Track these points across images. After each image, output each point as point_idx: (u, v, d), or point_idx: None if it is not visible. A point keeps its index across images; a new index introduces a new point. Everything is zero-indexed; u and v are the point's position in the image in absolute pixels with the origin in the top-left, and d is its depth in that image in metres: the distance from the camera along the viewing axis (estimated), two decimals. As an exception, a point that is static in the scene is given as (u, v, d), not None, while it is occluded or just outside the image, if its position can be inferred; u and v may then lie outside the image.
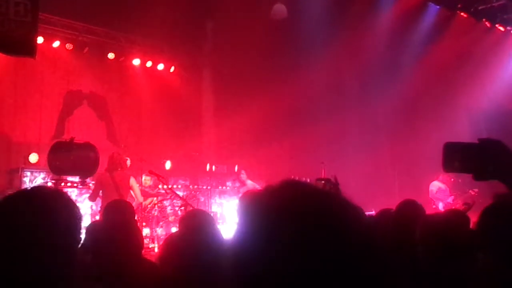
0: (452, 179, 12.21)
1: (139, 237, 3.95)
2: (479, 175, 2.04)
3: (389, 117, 14.61)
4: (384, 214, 5.04)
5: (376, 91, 14.51)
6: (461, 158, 2.05)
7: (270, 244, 1.06)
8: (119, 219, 4.55)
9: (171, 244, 3.58)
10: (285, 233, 1.05)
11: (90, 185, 9.79)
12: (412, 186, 12.79)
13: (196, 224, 4.24)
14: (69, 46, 13.00)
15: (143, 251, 4.25)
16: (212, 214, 12.49)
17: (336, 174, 11.49)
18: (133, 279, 3.56)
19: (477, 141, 2.08)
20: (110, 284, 3.47)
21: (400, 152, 14.53)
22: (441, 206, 11.95)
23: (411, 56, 14.68)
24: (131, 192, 9.06)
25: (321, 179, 2.80)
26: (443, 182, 12.36)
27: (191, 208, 9.66)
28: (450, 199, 12.19)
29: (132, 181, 9.16)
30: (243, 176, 12.10)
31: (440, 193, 12.33)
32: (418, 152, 13.95)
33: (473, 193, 11.72)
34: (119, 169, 9.01)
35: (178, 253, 3.41)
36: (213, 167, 13.83)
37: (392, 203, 5.47)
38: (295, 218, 1.07)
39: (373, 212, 10.24)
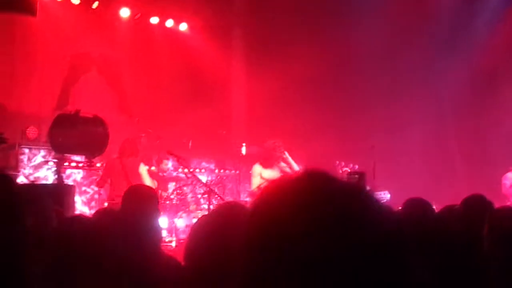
0: None
1: (159, 231, 3.98)
2: None
3: (458, 95, 14.30)
4: (448, 211, 5.07)
5: (444, 60, 14.21)
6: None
7: (275, 240, 1.16)
8: (138, 209, 4.51)
9: (200, 237, 3.57)
10: (293, 233, 1.15)
11: (98, 165, 9.86)
12: (483, 178, 12.52)
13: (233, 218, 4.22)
14: (75, 0, 13.02)
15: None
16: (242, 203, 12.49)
17: (388, 162, 11.40)
18: (150, 276, 3.59)
19: None
20: (122, 281, 3.50)
21: (469, 136, 14.23)
22: None
23: (484, 21, 14.33)
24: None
25: (355, 173, 2.71)
26: None
27: (216, 196, 9.70)
28: None
29: (142, 168, 9.26)
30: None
31: None
32: (491, 138, 13.63)
33: None
34: (131, 157, 9.10)
35: (207, 248, 3.41)
36: (243, 148, 13.78)
37: (458, 198, 5.38)
38: (305, 218, 1.16)
39: (434, 208, 10.12)
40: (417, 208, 4.79)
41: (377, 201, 1.24)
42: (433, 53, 14.45)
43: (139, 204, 4.59)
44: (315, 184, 1.23)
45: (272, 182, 1.27)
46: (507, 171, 12.19)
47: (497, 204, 8.44)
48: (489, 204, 4.58)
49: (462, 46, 14.12)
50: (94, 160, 9.05)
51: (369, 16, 13.75)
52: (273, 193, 1.25)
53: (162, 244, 7.29)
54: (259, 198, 1.26)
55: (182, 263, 3.74)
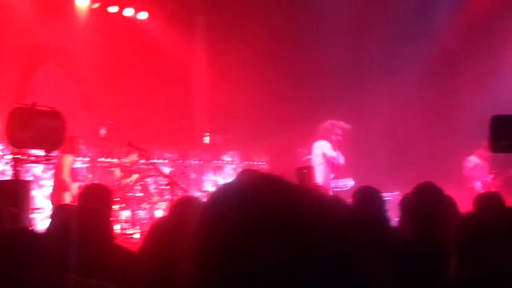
0: (490, 154, 12.09)
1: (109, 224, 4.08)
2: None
3: (418, 80, 14.42)
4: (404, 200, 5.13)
5: (404, 48, 14.30)
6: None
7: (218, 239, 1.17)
8: (92, 205, 4.59)
9: (156, 232, 3.60)
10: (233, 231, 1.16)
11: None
12: (447, 161, 12.69)
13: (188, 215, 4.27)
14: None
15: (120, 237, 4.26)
16: (204, 194, 12.47)
17: (354, 147, 11.46)
18: (106, 268, 3.63)
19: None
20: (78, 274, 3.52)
21: (432, 121, 14.39)
22: (478, 186, 11.87)
23: (445, 6, 14.44)
24: None
25: (302, 169, 2.71)
26: (481, 158, 12.24)
27: (179, 187, 9.65)
28: (489, 178, 12.10)
29: (65, 159, 9.45)
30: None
31: (477, 170, 12.23)
32: (454, 122, 13.79)
33: None
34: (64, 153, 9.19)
35: (162, 243, 3.44)
36: (207, 138, 13.75)
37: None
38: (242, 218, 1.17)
39: (397, 193, 10.22)
40: (367, 197, 4.81)
41: (318, 198, 1.24)
42: (394, 40, 14.55)
43: (92, 202, 4.69)
44: (251, 186, 1.24)
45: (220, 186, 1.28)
46: (470, 154, 12.38)
47: (456, 187, 8.59)
48: (440, 193, 4.62)
49: (423, 31, 14.23)
50: (53, 154, 8.91)
51: (332, 3, 13.80)
52: (217, 196, 1.26)
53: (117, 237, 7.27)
54: (208, 201, 1.26)
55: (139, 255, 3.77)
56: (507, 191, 8.54)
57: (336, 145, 10.44)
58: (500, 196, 5.98)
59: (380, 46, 14.85)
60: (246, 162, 14.40)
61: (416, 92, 14.10)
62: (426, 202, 4.34)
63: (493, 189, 10.56)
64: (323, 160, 10.26)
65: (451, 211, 4.39)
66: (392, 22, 14.47)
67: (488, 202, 5.57)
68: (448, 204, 4.57)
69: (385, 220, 4.92)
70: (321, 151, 10.32)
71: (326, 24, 14.06)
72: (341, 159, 10.43)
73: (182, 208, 4.43)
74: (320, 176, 10.06)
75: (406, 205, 4.83)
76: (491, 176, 12.15)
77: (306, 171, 2.75)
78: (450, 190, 4.92)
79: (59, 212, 4.69)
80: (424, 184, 4.92)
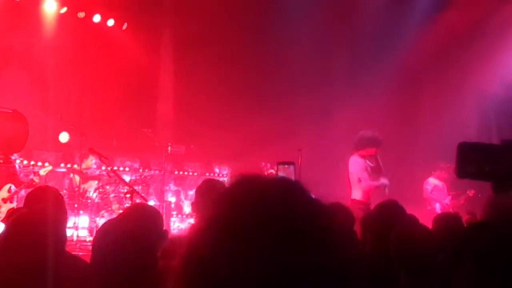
0: (449, 176, 12.24)
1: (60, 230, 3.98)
2: (500, 185, 1.93)
3: (383, 97, 14.54)
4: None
5: (369, 65, 14.43)
6: (479, 163, 1.93)
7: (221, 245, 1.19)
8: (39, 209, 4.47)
9: (105, 237, 3.54)
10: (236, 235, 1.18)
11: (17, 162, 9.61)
12: (405, 181, 12.78)
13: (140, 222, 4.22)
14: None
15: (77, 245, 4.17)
16: (164, 205, 12.38)
17: (315, 163, 11.36)
18: (52, 276, 3.57)
19: (499, 142, 1.96)
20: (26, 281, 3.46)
21: (393, 138, 14.52)
22: (438, 208, 12.01)
23: (413, 24, 14.61)
24: None
25: (284, 163, 2.73)
26: (440, 179, 12.40)
27: (139, 196, 9.57)
28: (447, 200, 12.26)
29: None
30: None
31: (437, 192, 12.38)
32: (415, 140, 13.95)
33: (471, 194, 11.82)
34: None
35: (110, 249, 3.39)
36: (169, 148, 13.66)
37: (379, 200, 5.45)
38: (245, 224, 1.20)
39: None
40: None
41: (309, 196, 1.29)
42: (360, 58, 14.67)
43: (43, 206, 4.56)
44: (248, 189, 1.30)
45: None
46: (429, 175, 12.51)
47: (418, 209, 8.65)
48: (399, 210, 4.67)
49: (389, 47, 14.37)
50: (12, 157, 8.79)
51: (298, 16, 13.88)
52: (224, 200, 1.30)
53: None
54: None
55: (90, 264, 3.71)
56: (465, 212, 8.62)
57: (371, 159, 9.90)
58: (458, 216, 6.06)
59: (346, 64, 14.98)
60: (208, 174, 14.36)
61: (380, 112, 14.20)
62: (388, 220, 4.37)
63: (451, 210, 10.70)
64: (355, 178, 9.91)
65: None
66: (358, 40, 14.61)
67: (446, 223, 5.65)
68: (410, 222, 4.61)
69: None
70: (353, 168, 9.85)
71: (292, 42, 14.14)
72: (377, 180, 9.75)
73: (136, 216, 4.37)
74: (356, 193, 9.72)
75: (367, 222, 4.87)
76: (449, 197, 12.31)
77: (287, 165, 2.74)
78: (410, 211, 4.97)
79: (11, 215, 4.60)
80: (386, 201, 4.98)
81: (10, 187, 9.65)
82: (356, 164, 9.76)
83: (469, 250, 2.21)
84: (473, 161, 1.93)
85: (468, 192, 11.95)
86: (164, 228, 4.10)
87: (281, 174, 2.97)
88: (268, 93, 14.71)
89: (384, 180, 9.71)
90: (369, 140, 9.84)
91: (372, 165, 9.83)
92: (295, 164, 2.83)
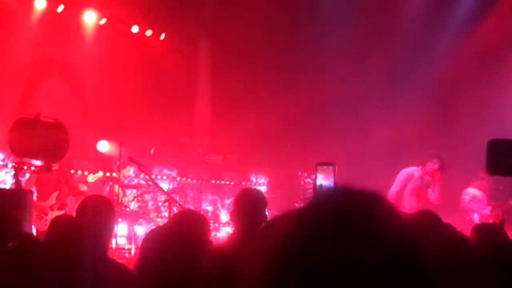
0: (489, 186, 12.08)
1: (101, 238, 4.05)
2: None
3: (421, 110, 14.45)
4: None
5: (406, 78, 14.36)
6: (509, 158, 1.94)
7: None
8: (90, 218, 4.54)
9: (153, 244, 3.57)
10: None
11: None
12: (446, 192, 12.65)
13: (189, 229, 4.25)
14: (40, 4, 12.89)
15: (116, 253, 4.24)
16: (202, 212, 12.46)
17: (351, 178, 11.41)
18: (91, 280, 3.62)
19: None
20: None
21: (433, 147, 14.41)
22: (476, 218, 11.82)
23: (448, 38, 14.50)
24: None
25: (323, 164, 2.76)
26: (479, 189, 12.21)
27: (177, 204, 9.66)
28: (487, 210, 12.04)
29: None
30: None
31: (475, 202, 12.17)
32: (455, 152, 13.80)
33: None
34: None
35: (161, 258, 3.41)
36: (206, 157, 13.76)
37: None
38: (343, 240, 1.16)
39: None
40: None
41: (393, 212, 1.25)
42: (397, 65, 14.61)
43: (92, 214, 4.62)
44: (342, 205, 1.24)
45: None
46: (468, 185, 12.34)
47: (456, 217, 8.60)
48: (436, 220, 4.64)
49: (426, 60, 14.29)
50: (53, 165, 8.93)
51: (335, 29, 13.91)
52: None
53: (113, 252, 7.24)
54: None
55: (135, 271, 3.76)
56: (507, 222, 8.51)
57: (430, 176, 10.28)
58: (497, 227, 5.99)
59: (383, 79, 14.92)
60: (244, 183, 14.41)
61: (418, 125, 14.11)
62: (423, 229, 4.36)
63: (491, 221, 10.56)
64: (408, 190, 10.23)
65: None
66: (395, 53, 14.55)
67: (485, 233, 5.59)
68: (447, 231, 4.57)
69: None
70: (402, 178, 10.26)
71: (328, 50, 14.15)
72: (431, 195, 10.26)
73: (183, 221, 4.41)
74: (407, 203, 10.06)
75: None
76: (489, 208, 12.11)
77: (327, 165, 2.74)
78: (449, 221, 4.93)
79: (57, 223, 4.68)
80: (422, 211, 4.95)
81: (59, 194, 9.84)
82: (401, 174, 9.97)
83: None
84: (503, 157, 1.93)
85: (510, 201, 11.74)
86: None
87: (320, 175, 2.98)
88: (306, 104, 14.72)
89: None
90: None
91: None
92: (334, 165, 2.85)
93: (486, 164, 1.97)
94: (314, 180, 3.00)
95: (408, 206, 9.89)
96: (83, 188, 10.31)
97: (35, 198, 9.56)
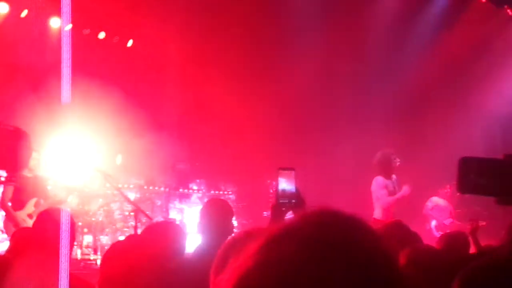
0: (452, 194, 12.14)
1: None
2: (506, 198, 1.88)
3: (389, 118, 14.52)
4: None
5: (374, 86, 14.43)
6: (481, 177, 1.89)
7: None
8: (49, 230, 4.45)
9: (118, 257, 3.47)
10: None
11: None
12: (413, 201, 12.70)
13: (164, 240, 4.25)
14: (3, 9, 12.72)
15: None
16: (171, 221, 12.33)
17: (319, 185, 11.35)
18: None
19: (502, 157, 1.93)
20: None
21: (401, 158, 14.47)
22: (432, 225, 11.77)
23: (417, 46, 14.62)
24: None
25: (284, 169, 2.72)
26: (444, 198, 12.21)
27: (143, 214, 9.56)
28: (447, 221, 11.92)
29: None
30: None
31: (436, 211, 12.06)
32: (422, 160, 13.87)
33: (481, 224, 11.43)
34: None
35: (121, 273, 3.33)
36: (174, 165, 13.67)
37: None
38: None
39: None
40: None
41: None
42: (364, 77, 14.67)
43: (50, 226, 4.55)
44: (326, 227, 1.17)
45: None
46: (435, 194, 12.39)
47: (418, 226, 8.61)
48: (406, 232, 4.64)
49: (394, 68, 14.37)
50: (17, 175, 8.78)
51: (302, 38, 13.94)
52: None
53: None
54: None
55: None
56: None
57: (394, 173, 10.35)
58: (464, 236, 6.01)
59: (351, 85, 14.96)
60: (213, 191, 14.32)
61: (386, 133, 14.16)
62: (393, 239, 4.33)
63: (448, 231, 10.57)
64: (377, 198, 10.19)
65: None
66: (363, 60, 14.61)
67: (453, 242, 5.60)
68: (413, 241, 4.57)
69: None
70: (374, 188, 10.25)
71: (299, 57, 14.15)
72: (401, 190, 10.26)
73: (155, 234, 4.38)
74: (378, 212, 10.08)
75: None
76: (450, 220, 12.02)
77: (288, 170, 2.69)
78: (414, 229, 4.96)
79: (17, 235, 4.59)
80: (394, 223, 4.96)
81: (36, 201, 9.60)
82: (375, 183, 10.08)
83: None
84: (474, 176, 1.89)
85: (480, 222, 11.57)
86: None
87: (282, 179, 2.97)
88: (273, 113, 14.71)
89: (402, 191, 10.01)
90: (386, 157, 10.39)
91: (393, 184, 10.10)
92: (295, 169, 2.85)
93: (457, 183, 1.91)
94: (276, 184, 3.00)
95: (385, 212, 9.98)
96: (61, 195, 10.12)
97: (10, 208, 9.42)
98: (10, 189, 9.48)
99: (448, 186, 12.01)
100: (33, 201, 9.59)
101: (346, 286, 1.08)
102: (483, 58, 14.38)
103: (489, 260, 2.15)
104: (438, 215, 12.00)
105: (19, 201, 9.55)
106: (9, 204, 9.43)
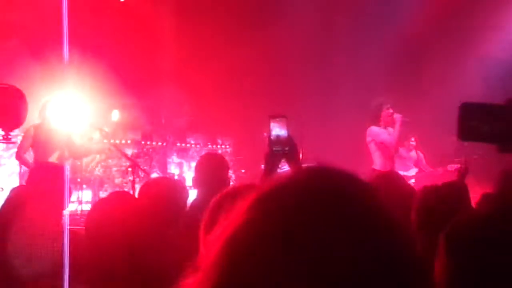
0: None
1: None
2: (505, 147, 1.79)
3: (385, 66, 14.39)
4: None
5: (370, 34, 14.28)
6: (483, 123, 1.79)
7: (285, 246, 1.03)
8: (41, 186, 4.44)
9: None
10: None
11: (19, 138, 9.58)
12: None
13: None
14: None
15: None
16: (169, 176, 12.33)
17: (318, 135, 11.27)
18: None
19: (505, 102, 1.83)
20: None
21: (397, 107, 14.40)
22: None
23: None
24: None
25: (275, 116, 2.61)
26: (407, 150, 11.90)
27: (141, 169, 9.53)
28: (410, 172, 11.60)
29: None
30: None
31: (397, 164, 11.61)
32: (420, 109, 13.81)
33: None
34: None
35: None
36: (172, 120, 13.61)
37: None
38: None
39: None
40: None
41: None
42: (361, 25, 14.54)
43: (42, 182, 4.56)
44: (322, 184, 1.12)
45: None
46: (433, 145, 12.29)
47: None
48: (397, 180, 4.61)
49: (390, 15, 14.21)
50: (11, 133, 8.69)
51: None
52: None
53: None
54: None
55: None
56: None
57: (388, 124, 10.01)
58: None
59: (347, 35, 14.83)
60: (210, 145, 14.28)
61: (383, 82, 14.07)
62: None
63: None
64: (376, 148, 9.91)
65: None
66: (358, 10, 14.47)
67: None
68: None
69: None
70: (371, 138, 9.94)
71: (292, 11, 14.01)
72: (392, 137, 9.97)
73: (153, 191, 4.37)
74: (377, 163, 9.87)
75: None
76: (414, 169, 11.78)
77: (281, 118, 2.59)
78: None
79: (12, 192, 4.53)
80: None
81: (59, 155, 9.59)
82: (369, 133, 9.91)
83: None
84: (476, 122, 1.79)
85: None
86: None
87: (275, 125, 2.90)
88: (269, 67, 14.62)
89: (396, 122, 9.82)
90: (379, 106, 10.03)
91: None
92: (287, 117, 2.77)
93: (458, 130, 1.81)
94: (269, 132, 2.92)
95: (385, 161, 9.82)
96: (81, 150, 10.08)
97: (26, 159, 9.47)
98: (28, 142, 9.48)
99: (412, 138, 11.82)
100: (56, 154, 9.56)
101: (345, 238, 1.03)
102: (481, 5, 14.20)
103: (476, 213, 2.08)
104: (401, 168, 11.39)
105: (42, 154, 9.52)
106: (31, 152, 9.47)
